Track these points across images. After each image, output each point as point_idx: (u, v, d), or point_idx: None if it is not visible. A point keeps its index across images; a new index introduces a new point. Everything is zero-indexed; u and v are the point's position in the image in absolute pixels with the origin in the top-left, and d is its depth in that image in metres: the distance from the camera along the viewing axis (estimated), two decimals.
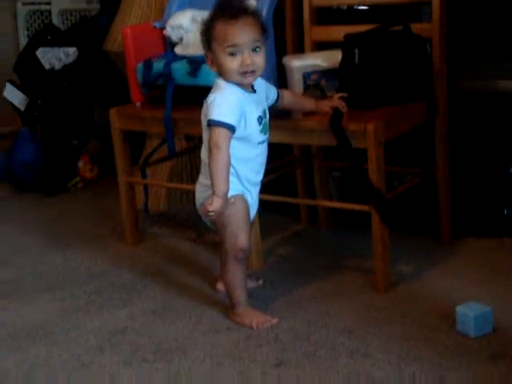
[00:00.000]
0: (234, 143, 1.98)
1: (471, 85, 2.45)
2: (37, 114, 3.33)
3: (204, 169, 2.05)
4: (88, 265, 2.53)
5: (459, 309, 1.93)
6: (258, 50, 1.96)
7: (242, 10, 1.96)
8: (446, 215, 2.44)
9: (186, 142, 2.78)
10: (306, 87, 2.28)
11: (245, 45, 1.94)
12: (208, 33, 1.98)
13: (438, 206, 2.43)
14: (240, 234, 2.02)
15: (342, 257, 2.45)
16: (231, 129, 1.94)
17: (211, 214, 1.93)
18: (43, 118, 3.32)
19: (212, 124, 1.94)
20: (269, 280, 2.30)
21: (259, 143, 2.04)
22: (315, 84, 2.28)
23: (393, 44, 2.23)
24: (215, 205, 1.92)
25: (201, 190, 2.06)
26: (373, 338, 1.94)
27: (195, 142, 2.79)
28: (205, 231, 2.67)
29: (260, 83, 2.07)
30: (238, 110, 1.96)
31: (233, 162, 1.99)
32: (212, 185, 1.94)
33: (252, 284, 2.24)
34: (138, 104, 2.54)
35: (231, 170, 1.99)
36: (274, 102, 2.14)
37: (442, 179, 2.41)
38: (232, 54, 1.94)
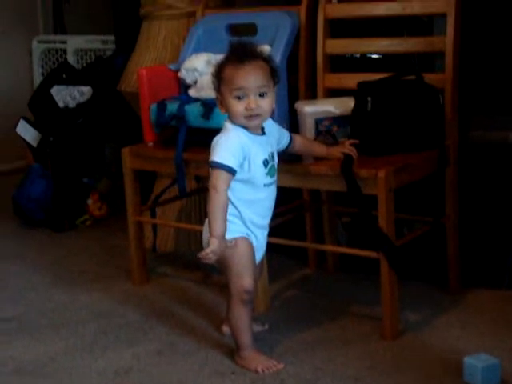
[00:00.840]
0: (237, 185, 2.00)
1: (482, 136, 2.46)
2: (49, 150, 3.35)
3: None
4: (94, 304, 2.52)
5: (467, 359, 1.92)
6: (264, 95, 1.98)
7: (251, 54, 1.99)
8: (455, 265, 2.44)
9: (196, 183, 2.80)
10: (318, 133, 2.29)
11: (251, 89, 1.96)
12: (218, 75, 2.01)
13: (447, 255, 2.43)
14: (244, 276, 2.02)
15: (349, 302, 2.44)
16: (231, 171, 1.97)
17: (210, 255, 1.94)
18: (55, 155, 3.35)
19: (213, 166, 1.97)
20: (275, 324, 2.29)
21: (265, 185, 2.05)
22: (327, 130, 2.29)
23: (405, 93, 2.25)
24: (211, 246, 1.94)
25: (206, 231, 2.06)
26: None
27: (205, 184, 2.80)
28: (212, 273, 2.67)
29: (272, 126, 2.10)
30: (240, 152, 1.98)
31: (237, 204, 2.01)
32: (209, 226, 1.96)
33: (258, 328, 2.23)
34: (150, 144, 2.56)
35: (234, 211, 2.01)
36: (286, 146, 2.16)
37: (452, 228, 2.41)
38: (238, 98, 1.97)
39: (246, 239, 2.05)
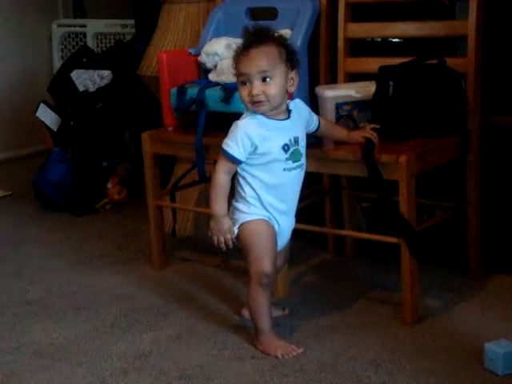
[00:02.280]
0: (254, 170, 2.03)
1: (504, 121, 2.44)
2: (68, 134, 3.36)
3: (235, 192, 2.07)
4: (114, 287, 2.54)
5: (488, 346, 1.91)
6: (268, 79, 1.98)
7: (259, 39, 2.00)
8: (476, 251, 2.42)
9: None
10: (339, 117, 2.28)
11: (252, 75, 1.97)
12: (233, 60, 2.04)
13: (468, 241, 2.41)
14: (263, 259, 2.02)
15: (369, 288, 2.43)
16: (235, 161, 2.02)
17: (209, 233, 2.04)
18: (75, 139, 3.35)
19: (221, 150, 2.03)
20: (294, 309, 2.29)
21: (285, 170, 2.04)
22: (348, 115, 2.28)
23: (427, 77, 2.23)
24: (210, 224, 2.04)
25: (231, 211, 2.08)
26: (399, 373, 1.92)
27: None
28: (231, 257, 2.67)
29: (302, 109, 2.11)
30: (247, 142, 2.01)
31: (255, 187, 2.03)
32: (210, 207, 2.04)
33: (278, 313, 2.23)
34: (170, 128, 2.56)
35: (253, 194, 2.04)
36: (313, 130, 2.17)
37: (473, 214, 2.39)
38: (243, 83, 2.00)
39: (267, 222, 2.05)
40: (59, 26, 4.23)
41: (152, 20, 3.08)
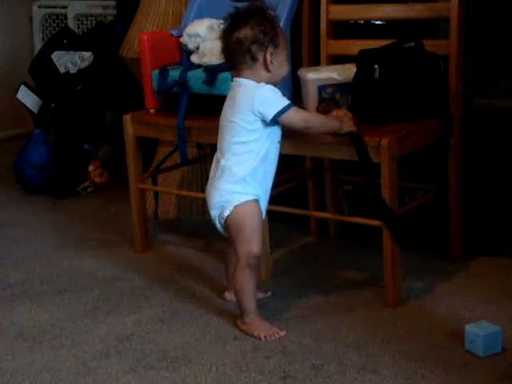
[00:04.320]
0: (262, 139, 2.03)
1: (487, 103, 2.44)
2: (50, 116, 3.34)
3: (225, 174, 2.05)
4: (96, 270, 2.53)
5: (469, 327, 1.92)
6: None
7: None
8: (458, 233, 2.44)
9: (197, 150, 2.78)
10: (321, 100, 2.28)
11: None
12: (274, 36, 2.03)
13: (450, 224, 2.42)
14: (254, 240, 2.04)
15: (352, 270, 2.44)
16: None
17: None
18: (56, 121, 3.33)
19: (284, 110, 2.01)
20: (277, 291, 2.30)
21: (278, 142, 2.08)
22: (330, 97, 2.28)
23: (408, 60, 2.23)
24: (343, 127, 2.10)
25: (220, 194, 2.06)
26: (381, 354, 1.93)
27: (206, 151, 2.79)
28: (213, 240, 2.67)
29: None
30: None
31: (256, 160, 2.03)
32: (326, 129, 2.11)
33: (261, 295, 2.24)
34: (152, 111, 2.54)
35: (251, 170, 2.03)
36: None
37: (454, 196, 2.40)
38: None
39: (257, 203, 2.06)
40: (40, 7, 4.18)
41: (133, 1, 3.06)
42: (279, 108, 2.01)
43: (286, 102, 2.02)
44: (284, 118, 2.02)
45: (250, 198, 2.05)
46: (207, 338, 2.06)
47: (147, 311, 2.22)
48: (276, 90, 2.03)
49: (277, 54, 2.03)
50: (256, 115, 2.01)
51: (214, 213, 2.08)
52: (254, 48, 2.01)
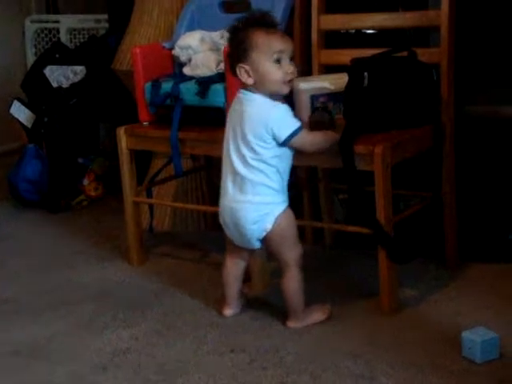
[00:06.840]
0: (287, 152, 2.05)
1: (479, 110, 2.45)
2: (43, 131, 3.33)
3: (257, 188, 2.05)
4: (92, 284, 2.52)
5: (465, 334, 1.92)
6: (292, 59, 2.03)
7: (275, 22, 2.05)
8: (452, 240, 2.44)
9: (192, 162, 2.79)
10: (314, 109, 2.28)
11: (287, 52, 2.00)
12: (247, 43, 1.99)
13: (444, 231, 2.42)
14: (298, 243, 2.11)
15: (347, 279, 2.44)
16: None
17: None
18: (49, 136, 3.33)
19: (295, 133, 2.01)
20: (273, 301, 2.29)
21: (292, 151, 2.09)
22: (323, 107, 2.28)
23: (399, 69, 2.23)
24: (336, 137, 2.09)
25: (256, 209, 2.05)
26: (378, 363, 1.92)
27: (200, 162, 2.79)
28: (209, 251, 2.66)
29: None
30: None
31: (282, 172, 2.06)
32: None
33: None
34: (145, 123, 2.54)
35: (280, 179, 2.06)
36: None
37: (449, 204, 2.40)
38: (278, 61, 1.99)
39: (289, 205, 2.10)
40: (32, 21, 4.18)
41: (126, 14, 3.06)
42: (293, 129, 2.01)
43: (297, 123, 2.02)
44: (297, 139, 2.03)
45: (285, 204, 2.08)
46: (204, 350, 2.05)
47: (143, 324, 2.21)
48: (289, 110, 2.03)
49: (256, 64, 1.99)
50: (269, 134, 2.01)
51: (251, 227, 2.06)
52: (230, 63, 2.04)
